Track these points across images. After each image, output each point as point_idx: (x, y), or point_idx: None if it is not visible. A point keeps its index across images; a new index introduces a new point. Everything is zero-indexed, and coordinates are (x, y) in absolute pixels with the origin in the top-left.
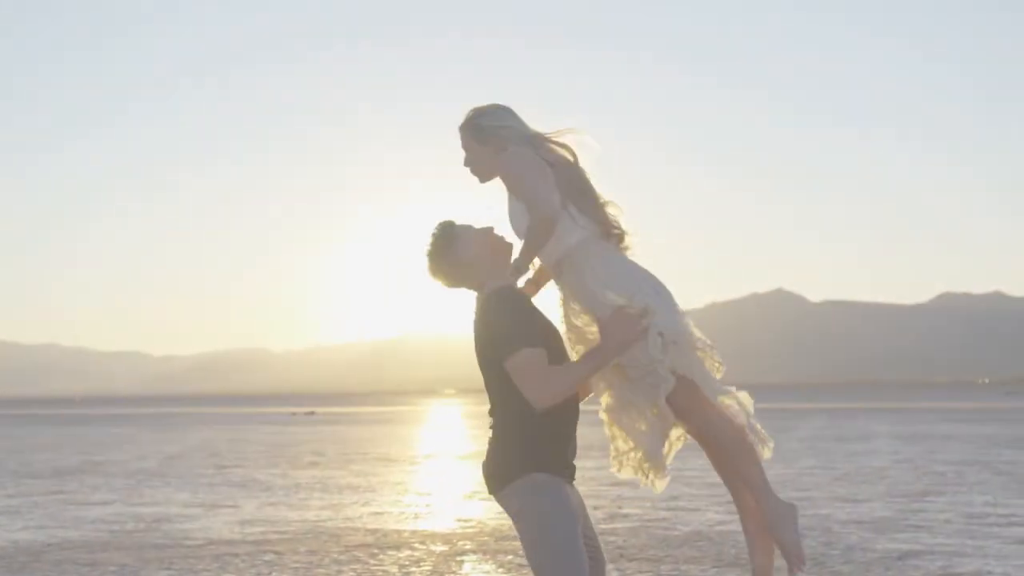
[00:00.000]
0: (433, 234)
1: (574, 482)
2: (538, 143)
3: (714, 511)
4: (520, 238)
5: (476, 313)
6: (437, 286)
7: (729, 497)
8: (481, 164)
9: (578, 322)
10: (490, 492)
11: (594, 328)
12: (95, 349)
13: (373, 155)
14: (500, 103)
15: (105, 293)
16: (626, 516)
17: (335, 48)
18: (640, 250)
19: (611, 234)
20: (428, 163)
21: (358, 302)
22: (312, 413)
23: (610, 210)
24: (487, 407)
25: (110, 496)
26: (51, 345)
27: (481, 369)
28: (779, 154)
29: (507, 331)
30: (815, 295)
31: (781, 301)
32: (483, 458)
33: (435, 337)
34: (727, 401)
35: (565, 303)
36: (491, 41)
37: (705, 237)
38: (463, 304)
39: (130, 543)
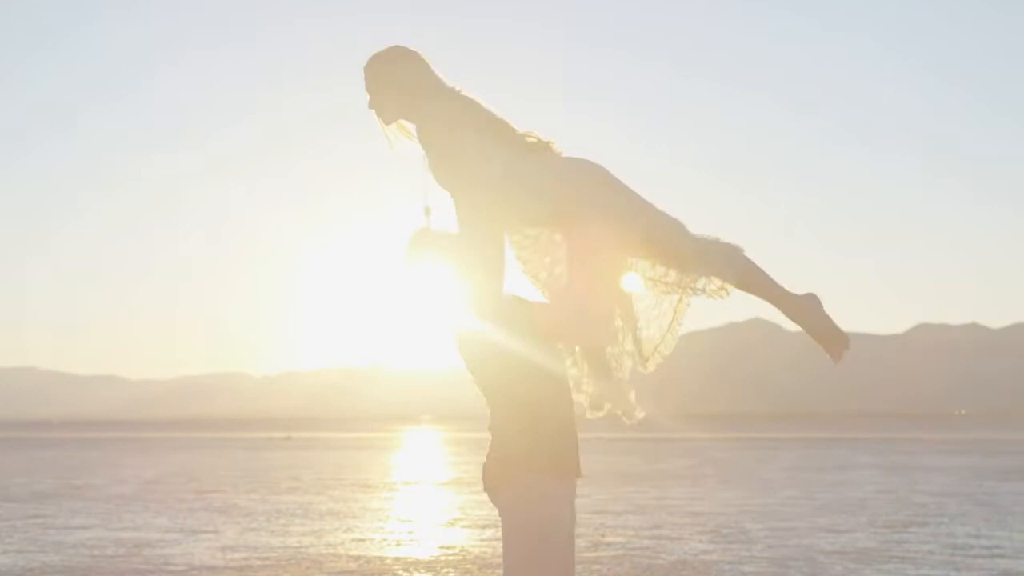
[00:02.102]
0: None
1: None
2: (446, 89)
3: (697, 540)
4: (443, 187)
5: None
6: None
7: (711, 526)
8: (386, 108)
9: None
10: (486, 489)
11: None
12: (71, 373)
13: (355, 180)
14: (403, 47)
15: (82, 317)
16: (609, 544)
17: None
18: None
19: (534, 148)
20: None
21: (336, 327)
22: (289, 438)
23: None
24: (463, 434)
25: (90, 520)
26: (27, 368)
27: (475, 372)
28: (757, 183)
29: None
30: (792, 324)
31: (758, 330)
32: (482, 462)
33: (412, 363)
34: None
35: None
36: (482, 38)
37: None
38: (441, 331)
39: (111, 569)
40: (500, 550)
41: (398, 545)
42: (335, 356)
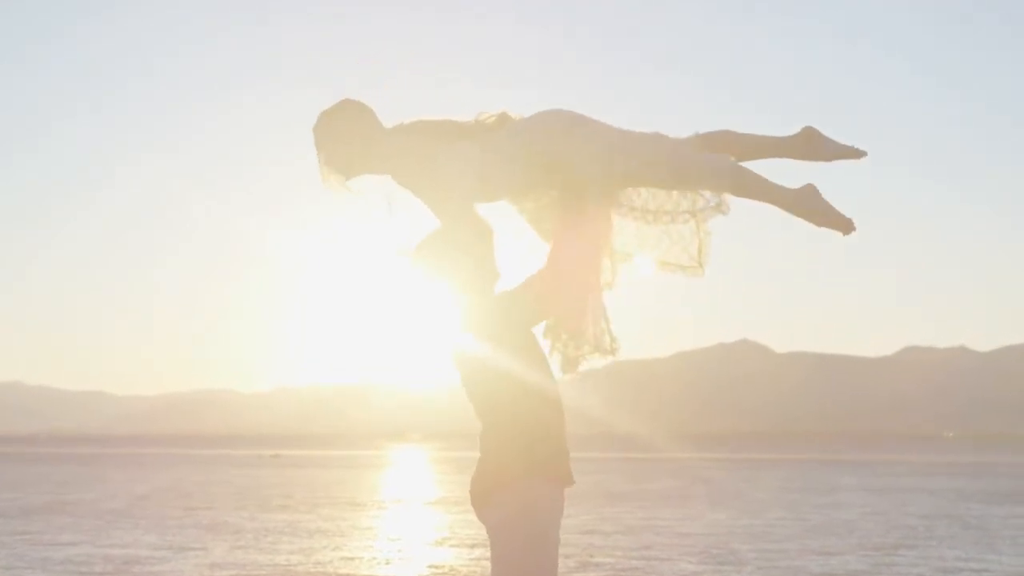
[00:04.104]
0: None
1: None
2: (396, 128)
3: (687, 561)
4: (433, 210)
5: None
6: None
7: (701, 547)
8: (345, 163)
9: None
10: (473, 502)
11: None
12: (59, 388)
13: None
14: (352, 100)
15: (69, 331)
16: (598, 565)
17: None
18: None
19: (494, 126)
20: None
21: (326, 344)
22: (277, 456)
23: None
24: (452, 452)
25: (78, 537)
26: (13, 383)
27: (467, 383)
28: (745, 203)
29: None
30: (780, 346)
31: (746, 351)
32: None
33: (401, 381)
34: None
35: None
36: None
37: (671, 286)
38: (433, 346)
39: None
40: (489, 569)
41: (387, 564)
42: (324, 373)
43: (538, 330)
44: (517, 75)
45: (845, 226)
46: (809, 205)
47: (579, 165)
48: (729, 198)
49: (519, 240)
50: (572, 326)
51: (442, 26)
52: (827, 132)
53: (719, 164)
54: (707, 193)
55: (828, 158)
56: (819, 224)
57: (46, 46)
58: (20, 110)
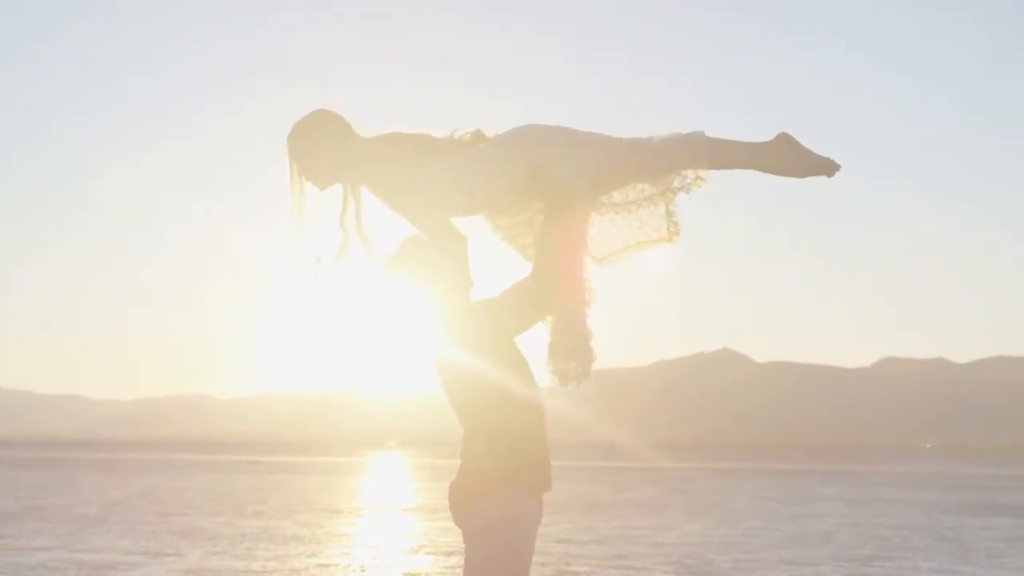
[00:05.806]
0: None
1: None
2: (374, 138)
3: (662, 570)
4: (416, 224)
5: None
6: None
7: (676, 557)
8: (323, 174)
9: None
10: (452, 507)
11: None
12: (35, 391)
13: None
14: (327, 110)
15: (45, 334)
16: (574, 574)
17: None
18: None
19: (471, 144)
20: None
21: (306, 350)
22: (254, 462)
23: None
24: (430, 460)
25: (51, 542)
26: None
27: (448, 390)
28: (726, 213)
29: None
30: (760, 356)
31: (726, 361)
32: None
33: (380, 389)
34: None
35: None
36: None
37: (652, 295)
38: (412, 353)
39: None
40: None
41: (362, 571)
42: (304, 379)
43: (531, 338)
44: (516, 76)
45: (829, 168)
46: (792, 161)
47: (564, 174)
48: (706, 172)
49: (489, 255)
50: (576, 334)
51: (442, 26)
52: (817, 139)
53: (696, 144)
54: (689, 172)
55: (801, 174)
56: (802, 175)
57: (46, 46)
58: (20, 110)
